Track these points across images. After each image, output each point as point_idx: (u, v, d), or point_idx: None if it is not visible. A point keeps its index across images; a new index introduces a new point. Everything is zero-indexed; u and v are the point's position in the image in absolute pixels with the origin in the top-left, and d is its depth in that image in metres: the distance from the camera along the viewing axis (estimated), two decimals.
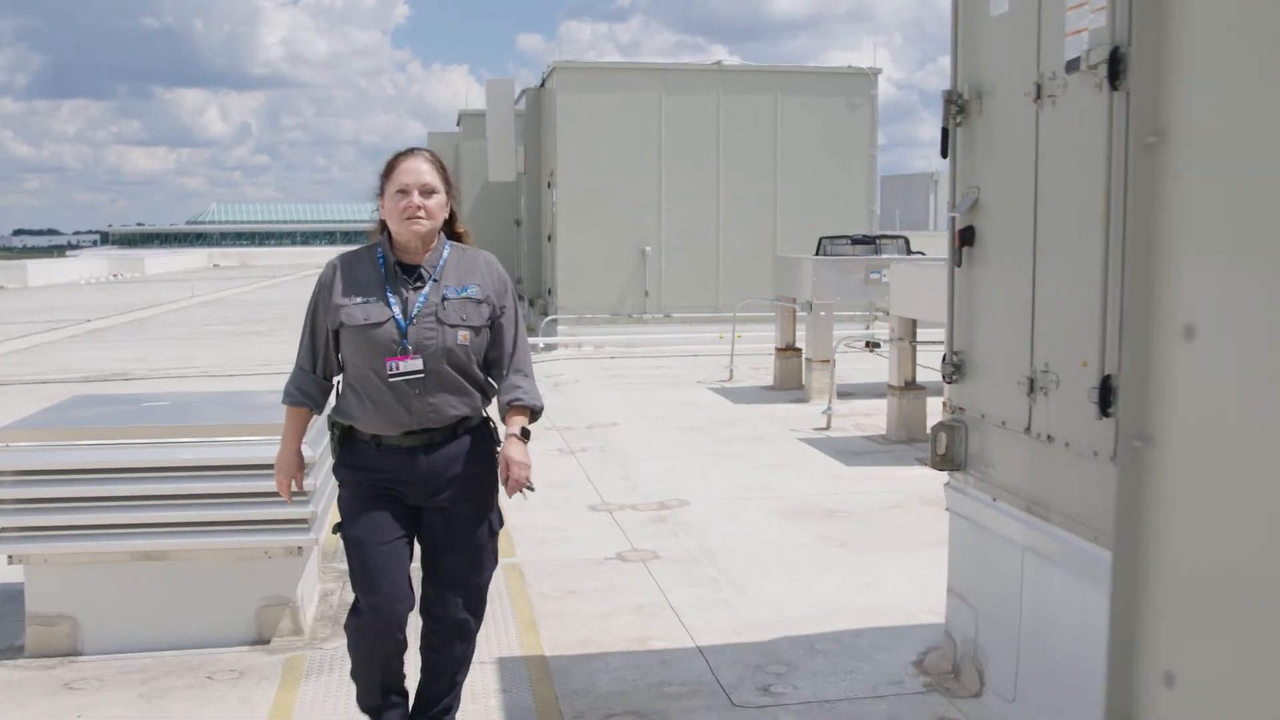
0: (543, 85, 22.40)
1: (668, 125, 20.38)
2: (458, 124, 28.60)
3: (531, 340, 19.84)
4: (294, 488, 4.40)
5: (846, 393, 13.56)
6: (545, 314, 21.26)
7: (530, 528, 7.86)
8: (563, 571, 7.05)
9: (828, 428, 11.75)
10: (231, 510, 5.69)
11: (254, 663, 5.61)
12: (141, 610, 5.78)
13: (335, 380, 4.36)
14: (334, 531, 4.34)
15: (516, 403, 4.28)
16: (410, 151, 4.28)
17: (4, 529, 5.63)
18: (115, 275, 59.97)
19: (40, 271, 53.92)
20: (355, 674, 4.39)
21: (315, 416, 4.46)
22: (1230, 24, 2.19)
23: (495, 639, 5.83)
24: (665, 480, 9.56)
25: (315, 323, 4.29)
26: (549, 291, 21.49)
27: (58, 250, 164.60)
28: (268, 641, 5.81)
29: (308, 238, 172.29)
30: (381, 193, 4.26)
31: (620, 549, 7.56)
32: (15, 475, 5.62)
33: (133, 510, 5.67)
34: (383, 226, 4.30)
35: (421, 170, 4.19)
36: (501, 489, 4.27)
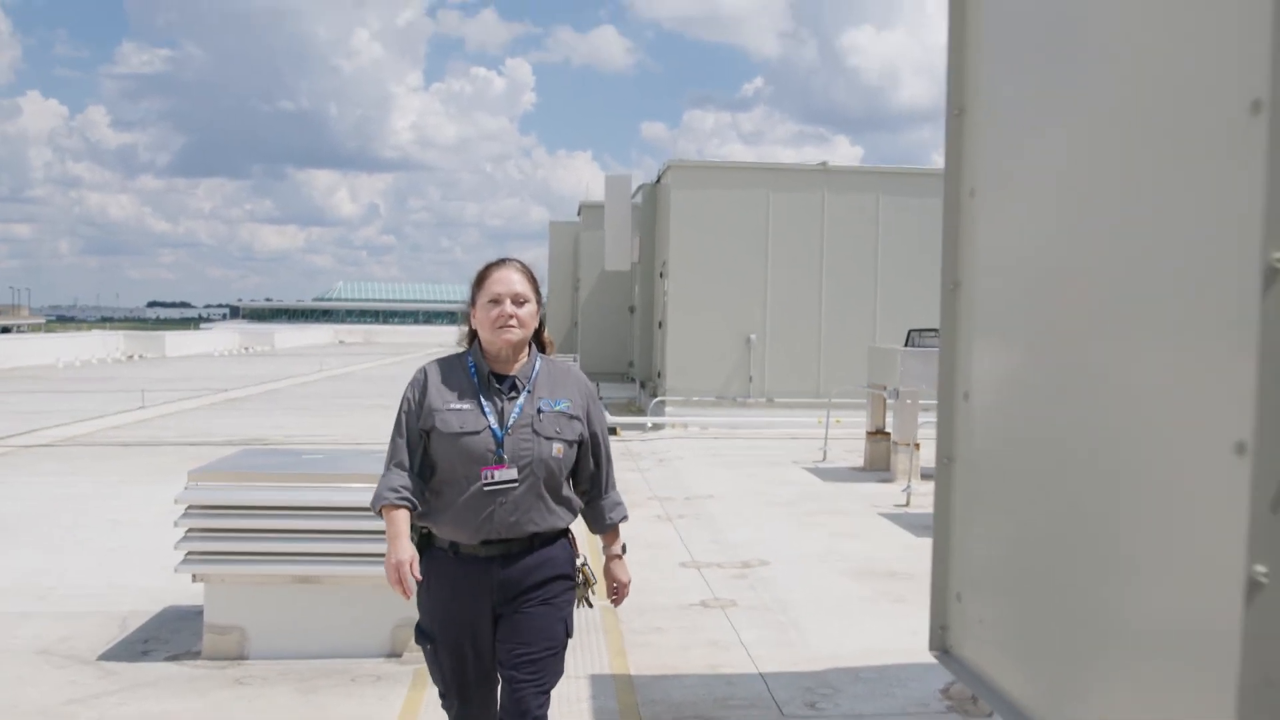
0: (658, 181, 23.75)
1: (774, 221, 21.56)
2: (578, 214, 30.09)
3: (640, 420, 21.13)
4: (416, 575, 4.11)
5: (929, 474, 14.43)
6: (654, 395, 22.41)
7: None
8: (652, 614, 8.11)
9: (907, 504, 12.71)
10: (372, 545, 6.83)
11: (389, 670, 6.75)
12: (298, 624, 6.95)
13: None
14: (416, 642, 4.34)
15: (622, 521, 4.44)
16: (502, 261, 4.30)
17: (191, 553, 6.87)
18: (246, 348, 62.56)
19: (177, 343, 56.54)
20: None
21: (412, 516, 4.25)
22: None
23: (588, 661, 6.91)
24: (750, 544, 10.60)
25: (408, 425, 4.23)
26: (659, 374, 22.65)
27: (190, 322, 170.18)
28: (400, 655, 6.95)
29: (430, 316, 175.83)
30: (473, 302, 4.28)
31: (704, 598, 8.62)
32: (201, 509, 6.88)
33: (294, 542, 6.87)
34: (472, 336, 4.33)
35: (513, 280, 4.22)
36: (591, 596, 4.38)
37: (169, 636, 7.43)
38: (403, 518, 4.16)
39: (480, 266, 4.32)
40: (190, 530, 6.87)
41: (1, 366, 41.07)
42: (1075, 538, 2.47)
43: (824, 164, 22.13)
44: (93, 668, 6.85)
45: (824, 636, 7.59)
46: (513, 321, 4.16)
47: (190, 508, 6.87)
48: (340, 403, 27.56)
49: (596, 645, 7.29)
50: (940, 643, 3.29)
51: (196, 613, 7.56)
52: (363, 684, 6.51)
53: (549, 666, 4.21)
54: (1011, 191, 2.71)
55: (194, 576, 6.96)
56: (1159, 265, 2.18)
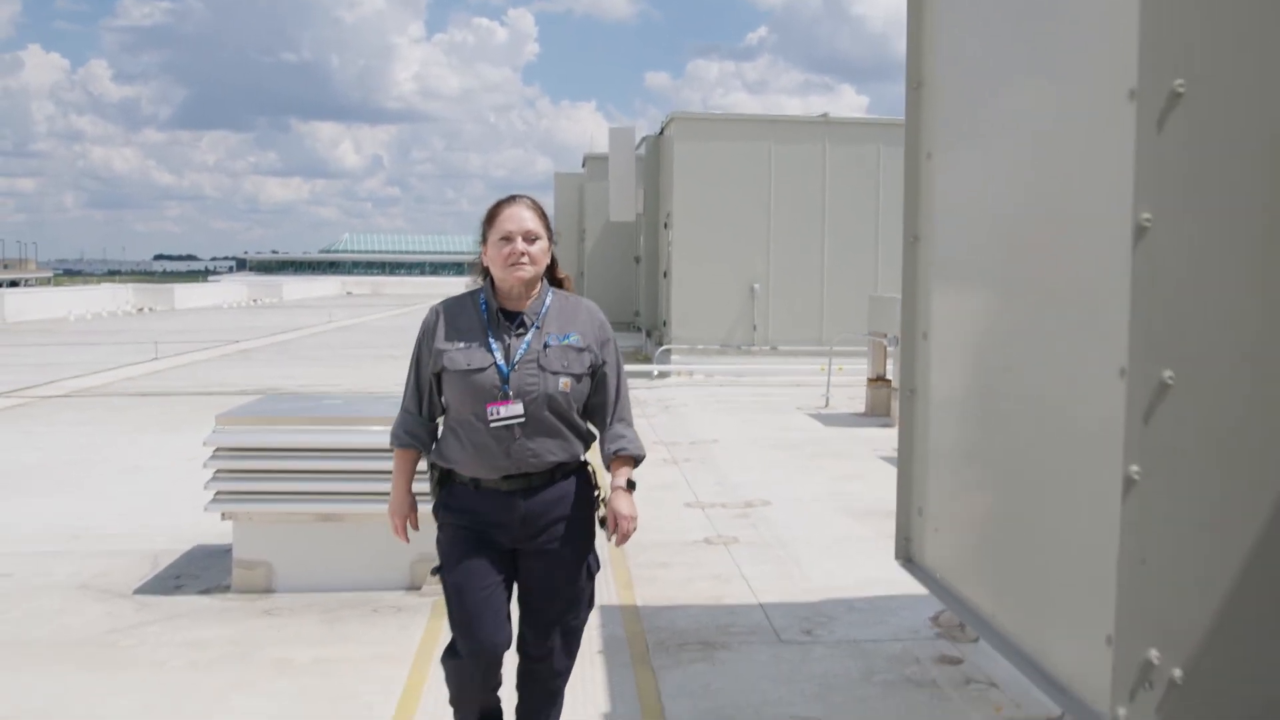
0: (661, 133, 23.98)
1: (776, 172, 21.81)
2: (583, 165, 30.32)
3: (646, 368, 21.46)
4: (409, 528, 4.52)
5: None
6: (660, 344, 22.76)
7: None
8: (657, 550, 8.48)
9: None
10: (389, 484, 7.19)
11: (409, 603, 7.13)
12: (322, 559, 7.33)
13: (438, 422, 4.44)
14: (433, 574, 4.40)
15: (622, 452, 4.32)
16: (512, 199, 4.31)
17: (220, 493, 7.24)
18: (255, 300, 62.94)
19: (186, 296, 56.95)
20: (453, 704, 4.49)
21: (423, 457, 4.50)
22: None
23: (596, 594, 7.27)
24: (753, 486, 10.97)
25: (419, 367, 4.36)
26: (664, 324, 22.98)
27: (197, 275, 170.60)
28: (419, 588, 7.32)
29: (436, 268, 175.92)
30: (484, 239, 4.29)
31: (707, 535, 9.00)
32: (229, 451, 7.24)
33: (316, 481, 7.23)
34: (484, 273, 4.36)
35: (524, 217, 4.22)
36: (603, 536, 4.36)
37: (199, 572, 7.82)
38: (409, 459, 4.44)
39: (490, 204, 4.32)
40: (219, 471, 7.24)
41: (13, 320, 41.45)
42: (1007, 456, 2.83)
43: (825, 115, 22.35)
44: (130, 601, 7.24)
45: (822, 571, 7.96)
46: (524, 259, 4.17)
47: (218, 450, 7.23)
48: (351, 353, 27.93)
49: (604, 579, 7.65)
50: (904, 552, 3.66)
51: (223, 551, 7.96)
52: (384, 614, 6.89)
53: (583, 601, 4.41)
54: (960, 156, 3.04)
55: (223, 515, 7.33)
56: (1067, 221, 2.51)
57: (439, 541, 4.33)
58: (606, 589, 7.45)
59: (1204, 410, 2.09)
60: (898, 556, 3.84)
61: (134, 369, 23.19)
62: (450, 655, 4.36)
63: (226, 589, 7.40)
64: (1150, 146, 2.18)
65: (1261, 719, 2.10)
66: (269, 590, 7.31)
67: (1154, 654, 2.13)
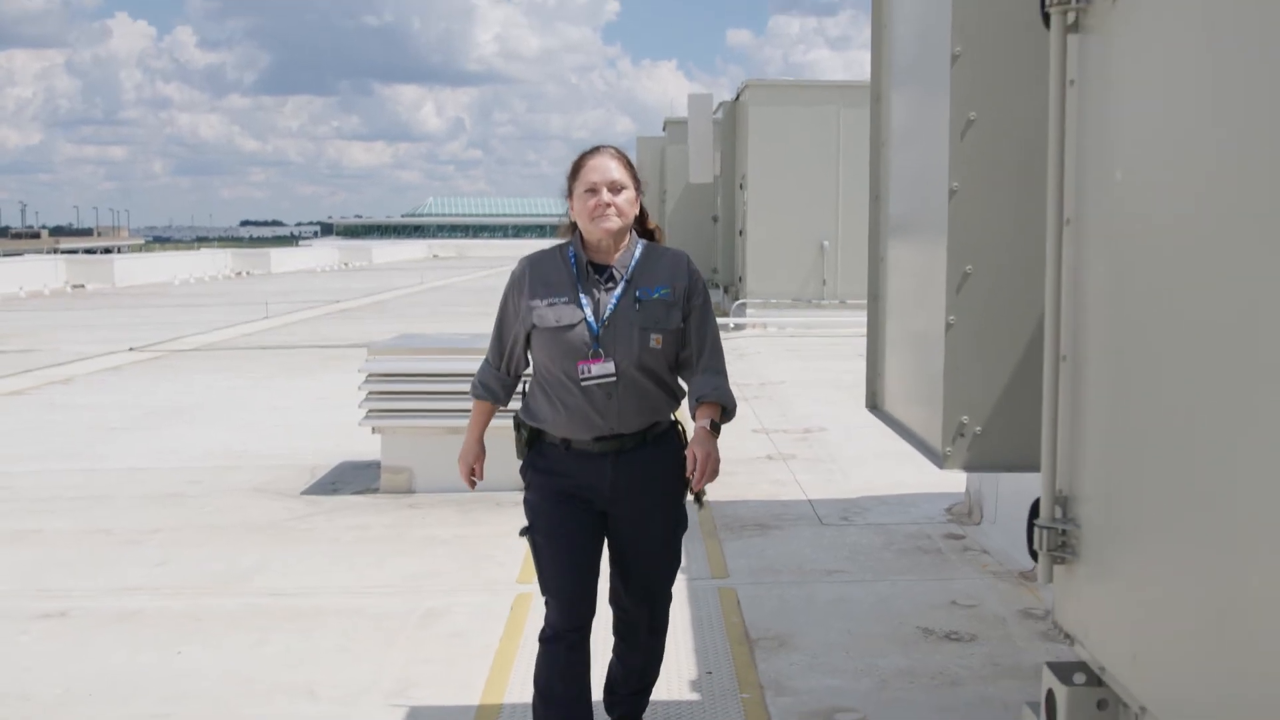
0: (737, 99, 25.45)
1: (844, 135, 23.17)
2: (663, 129, 31.86)
3: (722, 321, 23.00)
4: (475, 476, 4.48)
5: None
6: (736, 299, 24.31)
7: None
8: (726, 464, 9.79)
9: None
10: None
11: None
12: (452, 465, 8.95)
13: (523, 376, 4.39)
14: (521, 535, 4.29)
15: (706, 398, 4.12)
16: (596, 149, 4.18)
17: (371, 410, 8.97)
18: (345, 264, 65.25)
19: (281, 260, 59.32)
20: (536, 707, 4.29)
21: (499, 409, 4.50)
22: None
23: None
24: (812, 417, 12.56)
25: (504, 321, 4.27)
26: (740, 279, 24.50)
27: (286, 240, 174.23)
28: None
29: (519, 230, 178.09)
30: (570, 193, 4.16)
31: (769, 453, 10.63)
32: (378, 377, 8.95)
33: (446, 401, 8.88)
34: (572, 227, 4.22)
35: (609, 167, 4.09)
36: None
37: (350, 479, 9.58)
38: (484, 409, 4.47)
39: (575, 156, 4.21)
40: (370, 393, 8.95)
41: (122, 284, 43.90)
42: (906, 333, 4.40)
43: None
44: (298, 500, 9.00)
45: (862, 478, 9.54)
46: (610, 210, 4.05)
47: (370, 375, 8.95)
48: (445, 310, 29.82)
49: None
50: (872, 402, 5.16)
51: (367, 464, 9.73)
52: (506, 507, 8.54)
53: (672, 559, 4.37)
54: (903, 143, 4.54)
55: (373, 429, 9.06)
56: (929, 190, 4.01)
57: (526, 501, 4.26)
58: None
59: (987, 285, 3.58)
60: (867, 406, 5.29)
61: (248, 326, 25.18)
62: (542, 639, 4.25)
63: (375, 490, 9.14)
64: (957, 148, 3.69)
65: (1021, 456, 3.60)
66: (410, 491, 9.03)
67: (965, 418, 3.64)
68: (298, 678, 5.49)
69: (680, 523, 4.34)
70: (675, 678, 5.33)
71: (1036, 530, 2.95)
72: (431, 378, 8.91)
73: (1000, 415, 3.61)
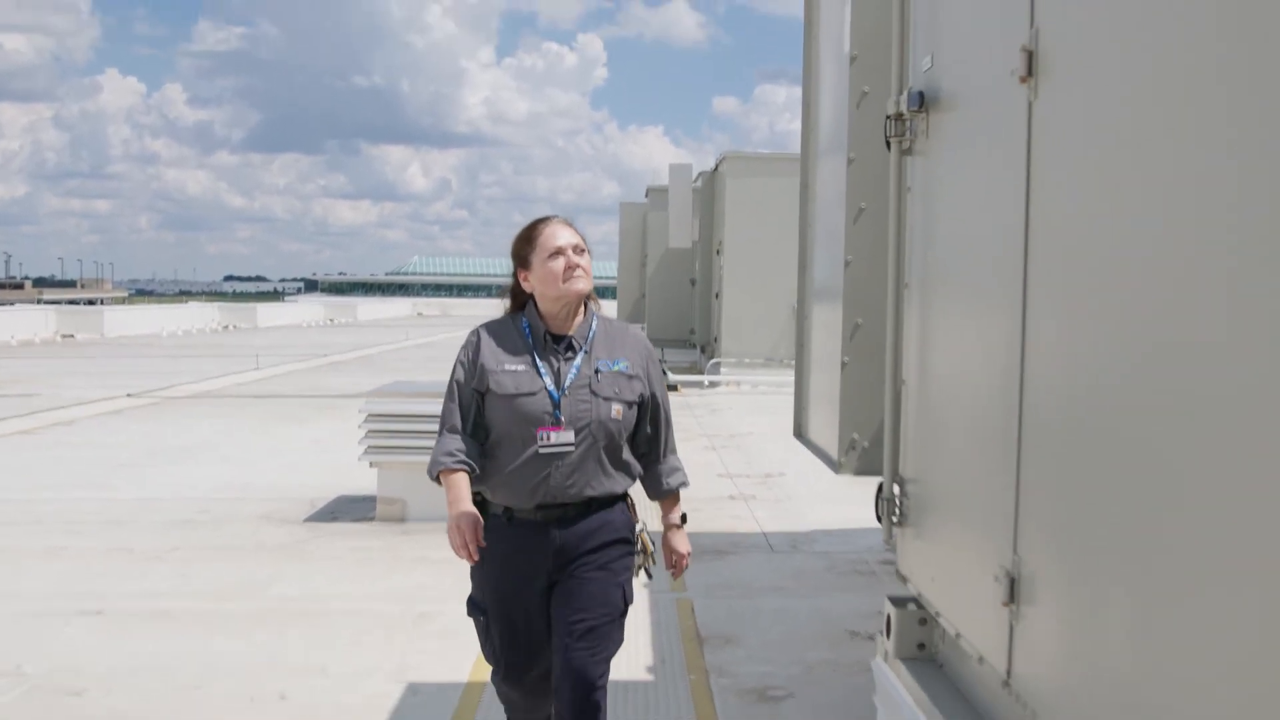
0: (716, 169, 26.62)
1: None
2: (645, 196, 33.05)
3: (698, 379, 24.07)
4: (481, 544, 3.96)
5: None
6: (711, 358, 25.34)
7: None
8: (689, 504, 10.58)
9: None
10: None
11: None
12: (442, 497, 9.96)
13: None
14: (469, 614, 4.24)
15: (682, 487, 4.29)
16: (547, 218, 4.13)
17: (370, 447, 9.92)
18: (331, 320, 65.96)
19: (268, 314, 60.12)
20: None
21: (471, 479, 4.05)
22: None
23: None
24: (774, 463, 13.53)
25: (461, 389, 4.08)
26: (715, 339, 25.56)
27: (265, 295, 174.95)
28: None
29: (503, 290, 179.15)
30: (524, 264, 4.10)
31: (731, 494, 11.61)
32: (376, 417, 9.92)
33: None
34: (517, 301, 4.19)
35: (568, 232, 4.06)
36: (651, 568, 4.30)
37: (348, 510, 10.52)
38: (462, 481, 4.01)
39: (522, 228, 4.15)
40: (369, 431, 9.91)
41: (112, 334, 44.68)
42: (819, 360, 5.36)
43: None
44: (301, 526, 9.93)
45: (815, 514, 10.51)
46: (579, 271, 4.01)
47: (369, 415, 9.91)
48: (431, 364, 30.61)
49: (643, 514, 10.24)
50: (797, 431, 6.11)
51: (363, 498, 10.67)
52: None
53: (608, 634, 4.07)
54: (820, 224, 5.52)
55: (370, 464, 10.01)
56: (830, 258, 5.01)
57: (473, 576, 4.20)
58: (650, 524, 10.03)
59: (872, 333, 4.59)
60: (794, 434, 6.21)
61: (240, 376, 26.04)
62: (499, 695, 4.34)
63: (371, 519, 10.08)
64: (851, 230, 4.70)
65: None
66: (403, 519, 9.97)
67: (855, 435, 4.62)
68: (313, 661, 6.42)
69: (624, 594, 4.13)
70: (633, 664, 6.27)
71: (881, 502, 3.98)
72: (424, 418, 9.85)
73: (879, 432, 4.60)
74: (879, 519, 4.05)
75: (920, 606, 3.79)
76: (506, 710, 4.36)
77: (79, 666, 6.32)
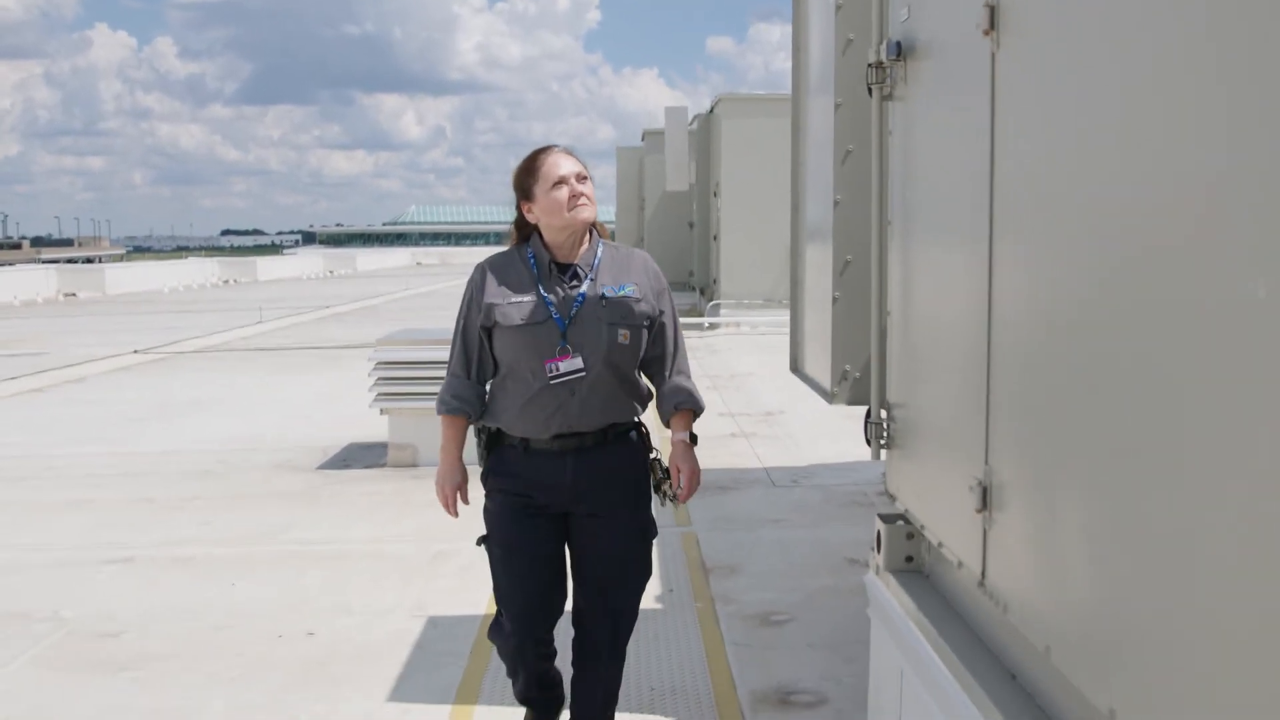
0: (711, 112, 26.72)
1: None
2: (642, 139, 33.12)
3: (698, 321, 24.30)
4: (463, 501, 4.26)
5: None
6: (711, 300, 25.56)
7: None
8: None
9: None
10: None
11: None
12: None
13: (488, 386, 4.17)
14: (478, 544, 4.25)
15: (683, 406, 4.23)
16: (547, 148, 4.10)
17: (380, 394, 10.18)
18: (331, 271, 66.05)
19: (267, 268, 60.19)
20: (510, 676, 4.46)
21: (472, 424, 4.23)
22: None
23: None
24: (775, 402, 13.80)
25: (467, 326, 4.11)
26: (714, 281, 25.76)
27: (263, 249, 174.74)
28: None
29: (501, 238, 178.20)
30: (527, 194, 4.07)
31: (733, 431, 11.88)
32: (383, 365, 10.17)
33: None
34: (521, 232, 4.17)
35: (570, 161, 4.03)
36: (655, 493, 4.27)
37: (359, 457, 10.80)
38: (458, 426, 4.16)
39: (523, 159, 4.13)
40: (379, 379, 10.17)
41: (114, 292, 44.87)
42: (810, 303, 5.61)
43: None
44: (315, 473, 10.21)
45: (814, 450, 10.79)
46: (583, 200, 4.00)
47: (378, 364, 10.17)
48: (434, 313, 30.76)
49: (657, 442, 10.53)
50: (793, 365, 6.35)
51: (372, 445, 10.95)
52: None
53: (641, 569, 4.24)
54: (811, 166, 5.75)
55: (381, 410, 10.28)
56: (821, 198, 5.24)
57: (486, 510, 4.20)
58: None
59: (860, 270, 4.81)
60: (790, 368, 6.41)
61: (245, 330, 26.30)
62: (496, 629, 4.32)
63: (383, 465, 10.36)
64: (839, 171, 4.91)
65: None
66: (414, 465, 10.24)
67: (847, 366, 4.88)
68: (336, 600, 6.71)
69: (647, 529, 4.23)
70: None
71: (870, 426, 4.24)
72: (431, 364, 10.11)
73: (869, 363, 4.85)
74: (868, 442, 4.32)
75: (907, 522, 4.05)
76: (506, 660, 4.39)
77: (112, 611, 6.60)
